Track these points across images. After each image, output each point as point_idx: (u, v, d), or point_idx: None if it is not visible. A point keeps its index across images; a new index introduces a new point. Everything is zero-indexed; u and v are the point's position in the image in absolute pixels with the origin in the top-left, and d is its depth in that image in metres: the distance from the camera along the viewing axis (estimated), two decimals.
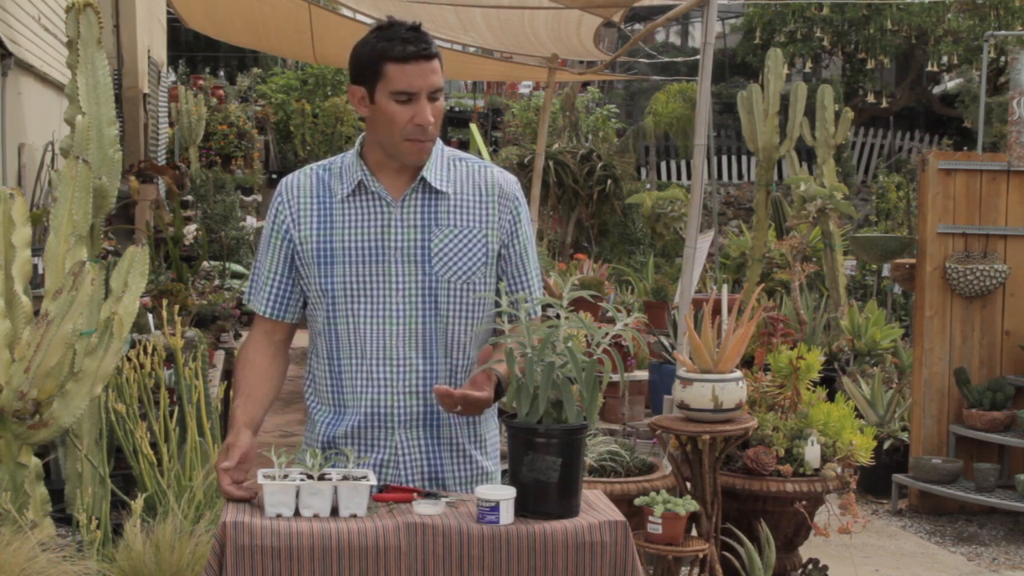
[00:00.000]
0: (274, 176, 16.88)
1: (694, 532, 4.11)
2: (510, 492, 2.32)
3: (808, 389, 4.71)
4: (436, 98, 2.52)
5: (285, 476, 2.35)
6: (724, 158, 17.81)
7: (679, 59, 15.70)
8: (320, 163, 2.67)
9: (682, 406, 4.00)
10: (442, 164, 2.61)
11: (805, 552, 4.65)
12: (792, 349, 4.77)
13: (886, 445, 6.56)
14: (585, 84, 16.15)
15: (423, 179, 2.57)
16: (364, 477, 2.36)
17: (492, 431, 2.70)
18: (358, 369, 2.57)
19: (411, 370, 2.56)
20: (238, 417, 2.53)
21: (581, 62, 10.41)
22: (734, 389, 3.96)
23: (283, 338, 2.69)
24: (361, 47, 2.54)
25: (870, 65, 16.20)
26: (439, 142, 2.63)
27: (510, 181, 2.65)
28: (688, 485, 4.15)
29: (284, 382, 2.70)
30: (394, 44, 2.48)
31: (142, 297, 4.09)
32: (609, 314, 6.12)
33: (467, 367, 2.59)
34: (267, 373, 2.63)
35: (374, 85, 2.51)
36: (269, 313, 2.65)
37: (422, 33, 2.50)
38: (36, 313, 3.52)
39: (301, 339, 2.70)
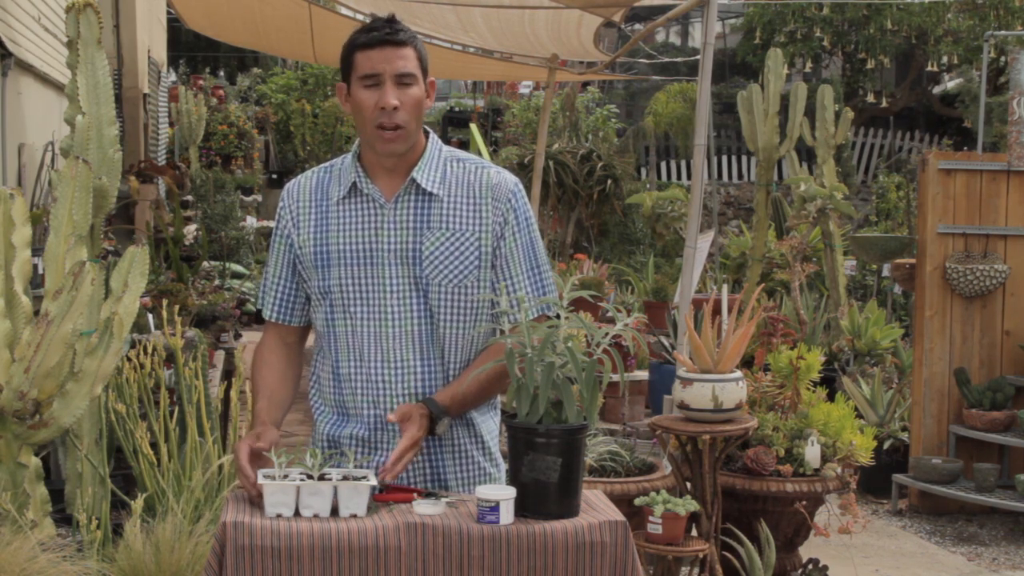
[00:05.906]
0: (274, 176, 16.89)
1: (694, 532, 4.10)
2: (510, 492, 2.32)
3: (808, 389, 4.71)
4: (405, 84, 2.50)
5: (285, 476, 2.35)
6: (724, 158, 17.80)
7: (679, 59, 15.67)
8: (323, 165, 2.69)
9: (682, 406, 4.00)
10: (436, 165, 2.58)
11: (805, 552, 4.65)
12: (792, 349, 4.77)
13: (886, 445, 6.56)
14: (585, 84, 16.13)
15: (413, 180, 2.55)
16: (364, 477, 2.36)
17: (492, 432, 2.69)
18: (357, 371, 2.58)
19: (409, 372, 2.56)
20: (263, 417, 2.57)
21: (581, 62, 10.39)
22: (734, 389, 3.96)
23: (295, 340, 2.73)
24: (344, 45, 2.57)
25: (870, 65, 16.20)
26: (437, 142, 2.62)
27: (506, 181, 2.59)
28: (688, 485, 4.15)
29: (299, 382, 2.74)
30: (362, 34, 2.52)
31: (142, 297, 4.09)
32: (609, 314, 6.12)
33: (462, 370, 2.58)
34: (285, 376, 2.68)
35: (350, 77, 2.54)
36: (276, 317, 2.69)
37: (394, 22, 2.52)
38: (36, 313, 3.51)
39: (310, 339, 2.74)
